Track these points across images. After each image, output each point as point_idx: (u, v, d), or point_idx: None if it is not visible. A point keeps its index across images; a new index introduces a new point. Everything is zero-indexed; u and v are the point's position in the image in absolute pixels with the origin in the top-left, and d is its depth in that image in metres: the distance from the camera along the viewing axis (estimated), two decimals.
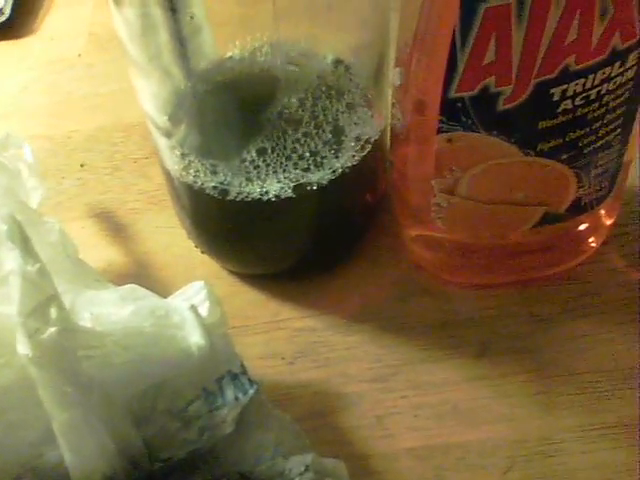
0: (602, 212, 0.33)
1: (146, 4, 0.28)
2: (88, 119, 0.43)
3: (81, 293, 0.29)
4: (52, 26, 0.49)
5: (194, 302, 0.29)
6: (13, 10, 0.48)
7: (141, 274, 0.36)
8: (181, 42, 0.30)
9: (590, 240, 0.34)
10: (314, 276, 0.35)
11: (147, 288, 0.34)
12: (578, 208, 0.31)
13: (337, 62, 0.32)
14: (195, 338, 0.28)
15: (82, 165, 0.41)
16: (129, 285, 0.29)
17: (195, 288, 0.30)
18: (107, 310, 0.28)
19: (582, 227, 0.33)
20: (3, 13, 0.48)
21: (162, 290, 0.35)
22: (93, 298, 0.29)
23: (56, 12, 0.50)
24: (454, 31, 0.25)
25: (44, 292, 0.25)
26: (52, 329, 0.24)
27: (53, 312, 0.25)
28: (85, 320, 0.27)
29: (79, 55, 0.46)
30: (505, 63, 0.26)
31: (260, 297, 0.35)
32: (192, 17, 0.28)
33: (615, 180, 0.31)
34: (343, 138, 0.31)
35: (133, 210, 0.39)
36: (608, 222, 0.34)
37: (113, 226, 0.38)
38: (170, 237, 0.37)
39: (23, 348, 0.24)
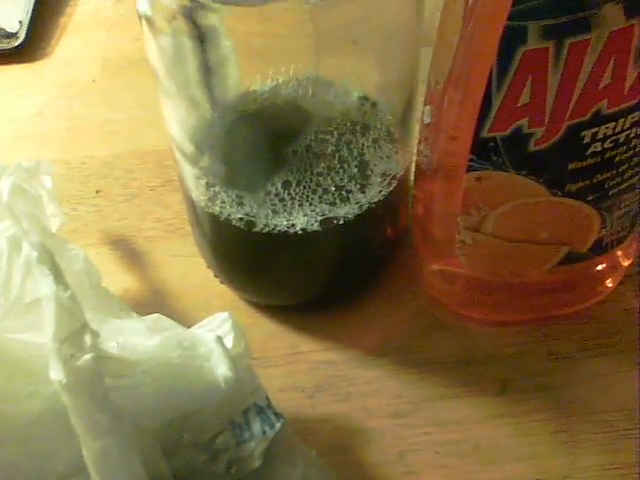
0: (620, 253, 0.33)
1: (177, 33, 0.28)
2: (103, 145, 0.43)
3: (106, 322, 0.29)
4: (66, 50, 0.49)
5: (219, 333, 0.29)
6: (27, 33, 0.48)
7: (158, 303, 0.36)
8: (208, 72, 0.30)
9: (607, 280, 0.34)
10: (333, 308, 0.35)
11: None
12: (599, 248, 0.31)
13: (364, 98, 0.32)
14: (222, 370, 0.27)
15: (98, 191, 0.40)
16: (154, 315, 0.29)
17: (220, 319, 0.30)
18: (133, 340, 0.28)
19: (600, 267, 0.33)
20: (17, 37, 0.48)
21: (180, 320, 0.34)
22: (118, 327, 0.29)
23: (70, 36, 0.50)
24: (490, 72, 0.26)
25: (77, 319, 0.25)
26: (87, 356, 0.24)
27: (87, 339, 0.25)
28: (112, 349, 0.27)
29: (93, 80, 0.46)
30: (539, 105, 0.26)
31: (279, 329, 0.35)
32: (232, 51, 0.29)
33: (636, 221, 0.32)
34: (369, 173, 0.31)
35: (150, 238, 0.38)
36: (625, 263, 0.34)
37: (129, 253, 0.38)
38: (187, 266, 0.37)
39: (57, 374, 0.24)
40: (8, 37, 0.48)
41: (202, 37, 0.28)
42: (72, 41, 0.49)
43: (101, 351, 0.25)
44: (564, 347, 0.33)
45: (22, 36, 0.48)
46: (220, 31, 0.27)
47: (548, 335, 0.34)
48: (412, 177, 0.34)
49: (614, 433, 0.31)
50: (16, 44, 0.48)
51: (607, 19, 0.24)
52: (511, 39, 0.24)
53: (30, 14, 0.49)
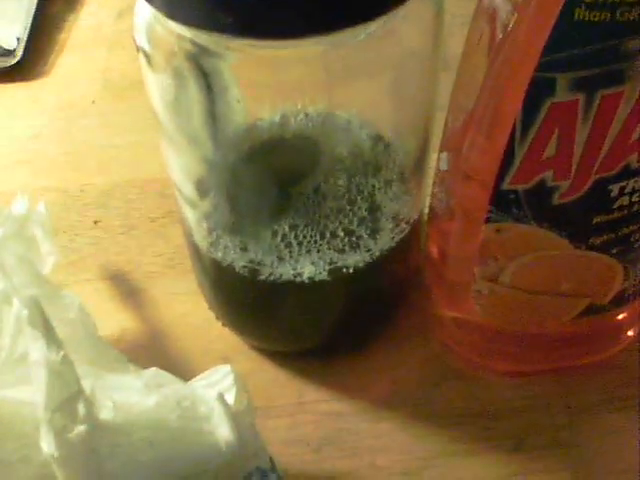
0: None
1: (178, 71, 0.26)
2: (103, 172, 0.41)
3: (101, 377, 0.27)
4: (65, 69, 0.47)
5: (220, 388, 0.27)
6: (25, 51, 0.47)
7: (156, 345, 0.34)
8: (211, 112, 0.28)
9: (628, 330, 0.33)
10: (341, 355, 0.33)
11: (163, 360, 0.33)
12: (621, 300, 0.30)
13: (377, 138, 0.30)
14: (223, 432, 0.26)
15: (96, 222, 0.39)
16: (152, 369, 0.28)
17: (221, 373, 0.28)
18: (130, 398, 0.26)
19: (621, 317, 0.32)
20: (15, 55, 0.46)
21: (179, 365, 0.33)
22: (114, 383, 0.27)
23: (69, 54, 0.48)
24: (514, 122, 0.24)
25: (70, 385, 0.24)
26: (80, 427, 0.23)
27: (81, 408, 0.23)
28: (107, 409, 0.25)
29: (93, 102, 0.45)
30: (565, 159, 0.24)
31: (284, 376, 0.33)
32: (239, 101, 0.27)
33: None
34: (381, 219, 0.30)
35: (149, 273, 0.37)
36: None
37: (128, 290, 0.36)
38: (187, 305, 0.35)
39: (48, 446, 0.23)
40: (5, 55, 0.46)
41: (205, 79, 0.26)
42: (71, 59, 0.48)
43: (95, 420, 0.23)
44: (583, 400, 0.32)
45: (19, 54, 0.46)
46: (225, 72, 0.26)
47: (566, 387, 0.32)
48: (425, 217, 0.32)
49: None
50: (13, 62, 0.46)
51: None
52: (538, 91, 0.23)
53: (28, 30, 0.47)
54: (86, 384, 0.25)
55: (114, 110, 0.44)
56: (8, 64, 0.46)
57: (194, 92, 0.27)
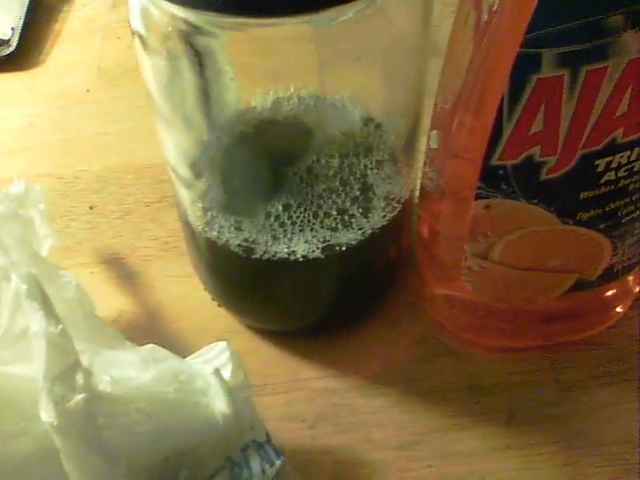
0: (630, 279, 0.32)
1: (172, 54, 0.27)
2: (97, 159, 0.41)
3: (99, 353, 0.28)
4: (59, 59, 0.47)
5: (216, 364, 0.28)
6: (19, 41, 0.47)
7: (153, 326, 0.35)
8: (205, 93, 0.29)
9: (617, 306, 0.33)
10: (334, 333, 0.34)
11: (160, 341, 0.33)
12: (610, 275, 0.30)
13: (368, 119, 0.31)
14: (219, 405, 0.26)
15: (91, 207, 0.39)
16: (149, 345, 0.28)
17: (217, 349, 0.29)
18: (127, 373, 0.27)
19: (610, 293, 0.32)
20: (9, 45, 0.46)
21: (176, 345, 0.34)
22: (112, 359, 0.28)
23: (64, 44, 0.48)
24: (501, 99, 0.24)
25: (69, 356, 0.24)
26: (79, 396, 0.23)
27: (79, 378, 0.24)
28: (104, 383, 0.26)
29: (87, 90, 0.45)
30: (552, 134, 0.25)
31: (278, 354, 0.33)
32: (232, 79, 0.27)
33: None
34: (373, 198, 0.30)
35: (144, 257, 0.37)
36: (636, 289, 0.33)
37: (124, 273, 0.37)
38: (183, 287, 0.36)
39: (47, 415, 0.23)
40: (0, 45, 0.46)
41: (199, 60, 0.26)
42: (66, 49, 0.48)
43: (93, 390, 0.24)
44: (572, 375, 0.32)
45: (14, 44, 0.47)
46: (218, 53, 0.26)
47: (556, 363, 0.33)
48: (416, 197, 0.33)
49: (622, 466, 0.30)
50: (8, 52, 0.46)
51: (626, 47, 0.22)
52: (524, 67, 0.23)
53: (23, 21, 0.48)
54: (84, 359, 0.25)
55: (108, 98, 0.45)
56: (3, 54, 0.46)
57: (188, 73, 0.27)
